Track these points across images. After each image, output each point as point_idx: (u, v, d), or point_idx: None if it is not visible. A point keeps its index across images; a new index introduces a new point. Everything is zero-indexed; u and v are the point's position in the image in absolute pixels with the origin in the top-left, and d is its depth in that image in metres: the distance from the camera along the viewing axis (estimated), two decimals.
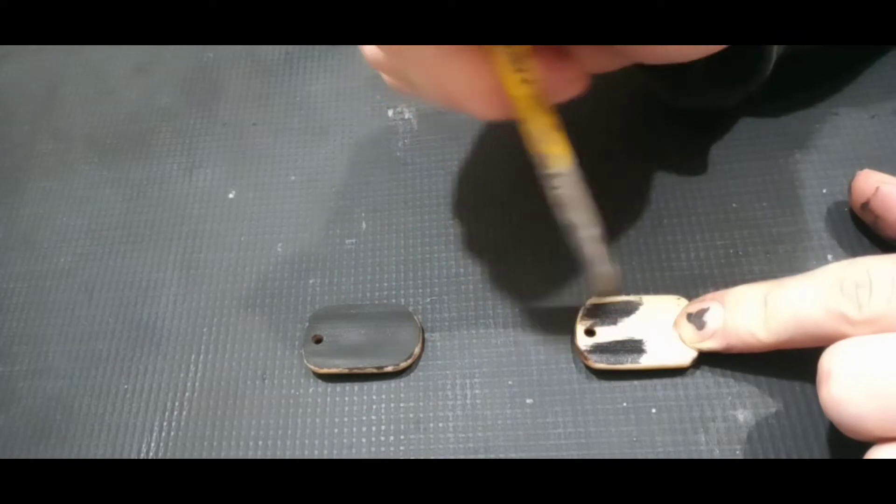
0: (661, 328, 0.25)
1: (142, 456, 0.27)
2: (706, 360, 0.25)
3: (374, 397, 0.27)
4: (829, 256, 0.27)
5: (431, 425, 0.26)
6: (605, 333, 0.25)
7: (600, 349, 0.25)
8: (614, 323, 0.25)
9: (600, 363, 0.25)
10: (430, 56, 0.19)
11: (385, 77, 0.24)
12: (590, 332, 0.26)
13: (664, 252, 0.28)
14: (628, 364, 0.25)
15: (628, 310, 0.26)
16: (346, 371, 0.27)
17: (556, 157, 0.21)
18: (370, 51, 0.23)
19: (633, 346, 0.25)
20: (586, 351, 0.25)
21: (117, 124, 0.37)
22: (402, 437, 0.26)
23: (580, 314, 0.26)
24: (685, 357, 0.24)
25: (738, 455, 0.23)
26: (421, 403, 0.26)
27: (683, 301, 0.26)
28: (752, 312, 0.22)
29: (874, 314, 0.19)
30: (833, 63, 0.31)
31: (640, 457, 0.24)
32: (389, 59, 0.22)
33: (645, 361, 0.25)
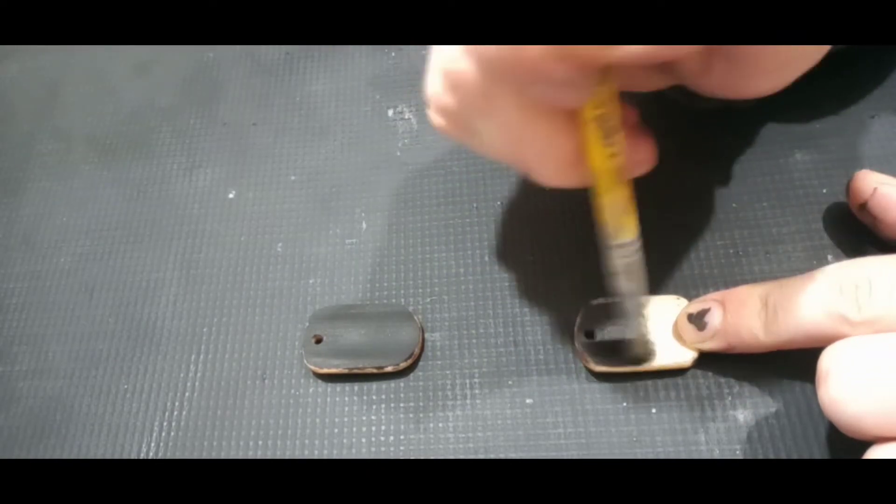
0: (661, 329, 0.25)
1: (142, 456, 0.27)
2: (706, 360, 0.25)
3: (374, 397, 0.27)
4: (829, 256, 0.27)
5: (431, 425, 0.26)
6: (605, 335, 0.25)
7: (600, 351, 0.25)
8: (614, 324, 0.25)
9: (600, 365, 0.25)
10: (513, 111, 0.18)
11: (438, 119, 0.22)
12: (589, 334, 0.26)
13: (664, 252, 0.28)
14: (628, 366, 0.25)
15: (629, 311, 0.26)
16: (346, 371, 0.27)
17: (628, 229, 0.21)
18: (434, 91, 0.21)
19: (634, 347, 0.25)
20: (586, 353, 0.25)
21: (117, 124, 0.37)
22: (402, 437, 0.26)
23: (580, 316, 0.26)
24: (685, 357, 0.24)
25: (738, 455, 0.23)
26: (421, 403, 0.26)
27: (683, 301, 0.26)
28: (753, 313, 0.22)
29: (873, 315, 0.19)
30: (833, 63, 0.30)
31: (640, 457, 0.24)
32: (461, 103, 0.20)
33: (645, 363, 0.25)
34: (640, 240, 0.21)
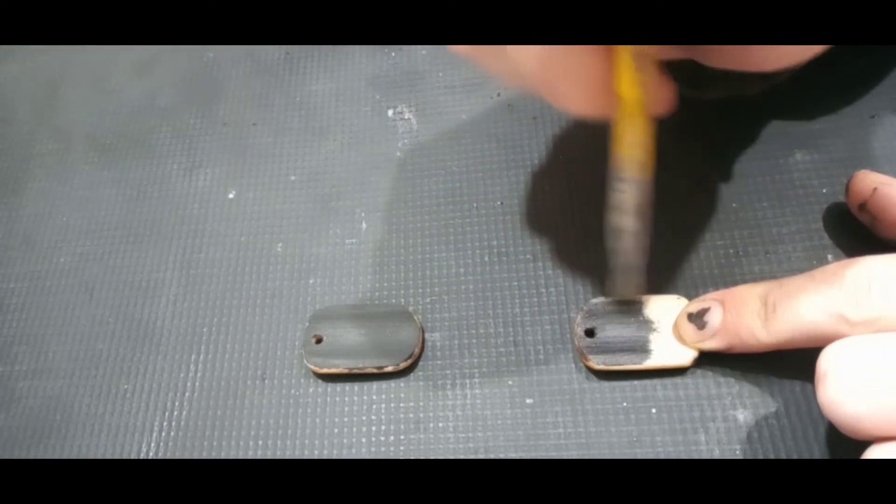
0: (661, 328, 0.25)
1: (142, 456, 0.27)
2: (706, 360, 0.25)
3: (374, 397, 0.27)
4: (829, 256, 0.27)
5: (431, 425, 0.26)
6: (605, 334, 0.25)
7: (600, 349, 0.25)
8: (614, 323, 0.25)
9: (600, 364, 0.25)
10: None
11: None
12: (590, 333, 0.26)
13: (664, 252, 0.28)
14: (628, 365, 0.25)
15: (629, 310, 0.26)
16: (346, 371, 0.27)
17: (642, 164, 0.21)
18: None
19: (634, 347, 0.25)
20: (586, 351, 0.25)
21: (117, 124, 0.37)
22: (402, 437, 0.26)
23: (580, 314, 0.26)
24: (685, 357, 0.24)
25: (738, 455, 0.23)
26: (421, 403, 0.26)
27: (684, 301, 0.26)
28: (753, 313, 0.22)
29: (872, 315, 0.19)
30: (833, 63, 0.30)
31: (640, 457, 0.24)
32: None
33: (645, 362, 0.25)
34: (651, 182, 0.22)
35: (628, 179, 0.21)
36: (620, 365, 0.25)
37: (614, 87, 0.20)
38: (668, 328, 0.25)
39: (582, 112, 0.20)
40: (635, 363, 0.25)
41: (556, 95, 0.20)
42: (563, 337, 0.27)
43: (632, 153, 0.21)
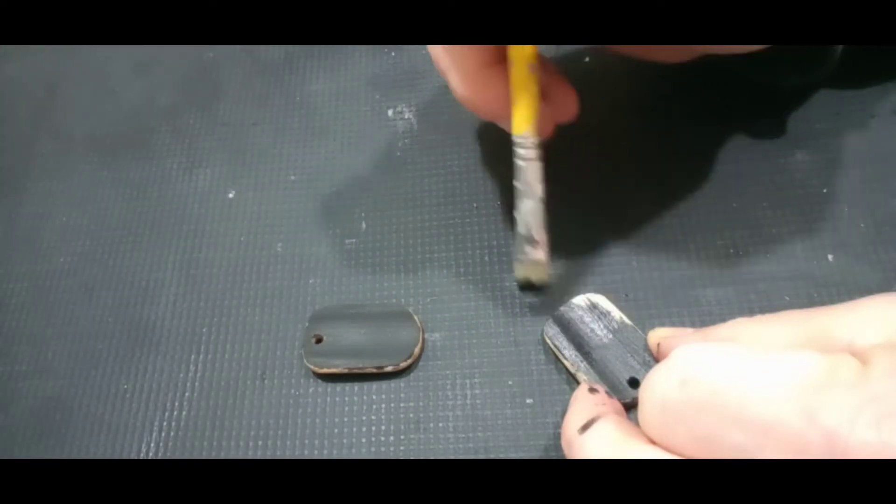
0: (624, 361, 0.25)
1: (142, 456, 0.27)
2: None
3: (374, 397, 0.27)
4: (830, 256, 0.27)
5: (431, 425, 0.26)
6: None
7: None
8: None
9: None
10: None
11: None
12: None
13: (664, 252, 0.28)
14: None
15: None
16: (346, 371, 0.27)
17: (526, 126, 0.24)
18: None
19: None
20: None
21: (117, 124, 0.37)
22: (402, 437, 0.26)
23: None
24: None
25: None
26: (421, 403, 0.26)
27: (639, 333, 0.25)
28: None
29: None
30: (834, 63, 0.30)
31: None
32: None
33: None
34: (537, 139, 0.25)
35: (523, 141, 0.24)
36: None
37: (508, 55, 0.23)
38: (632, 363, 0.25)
39: (462, 95, 0.25)
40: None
41: (449, 83, 0.25)
42: None
43: (519, 117, 0.24)
